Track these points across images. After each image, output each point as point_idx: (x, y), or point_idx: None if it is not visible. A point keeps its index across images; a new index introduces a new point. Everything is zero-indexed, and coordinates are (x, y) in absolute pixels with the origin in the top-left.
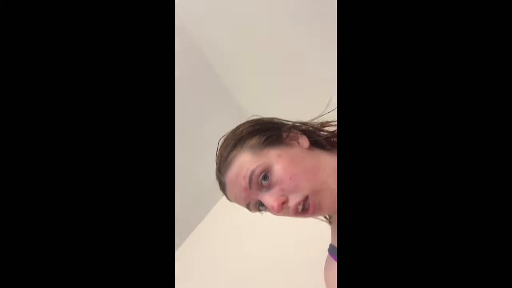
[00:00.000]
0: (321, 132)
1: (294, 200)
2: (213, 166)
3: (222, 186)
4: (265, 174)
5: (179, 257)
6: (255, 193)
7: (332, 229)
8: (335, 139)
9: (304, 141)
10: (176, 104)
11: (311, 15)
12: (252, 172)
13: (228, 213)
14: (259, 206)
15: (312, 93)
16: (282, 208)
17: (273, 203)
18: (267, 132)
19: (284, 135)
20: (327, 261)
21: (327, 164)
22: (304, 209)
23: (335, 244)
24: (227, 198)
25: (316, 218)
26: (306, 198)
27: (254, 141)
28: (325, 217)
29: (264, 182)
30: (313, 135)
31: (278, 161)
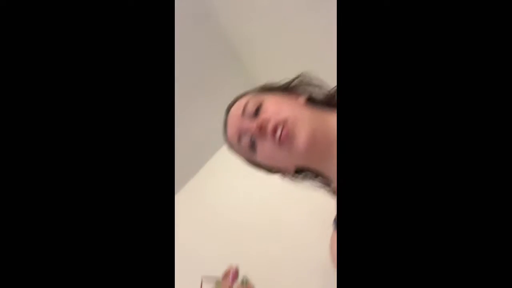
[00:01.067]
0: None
1: (273, 121)
2: (212, 118)
3: (225, 124)
4: (258, 107)
5: (178, 203)
6: (244, 122)
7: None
8: (334, 100)
9: (301, 99)
10: (178, 60)
11: None
12: (247, 102)
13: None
14: (251, 145)
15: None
16: (262, 127)
17: (252, 126)
18: (271, 85)
19: (287, 89)
20: (333, 235)
21: (315, 114)
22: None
23: None
24: (226, 139)
25: (323, 188)
26: (285, 123)
27: (256, 88)
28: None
29: (255, 115)
30: (313, 96)
31: (271, 99)
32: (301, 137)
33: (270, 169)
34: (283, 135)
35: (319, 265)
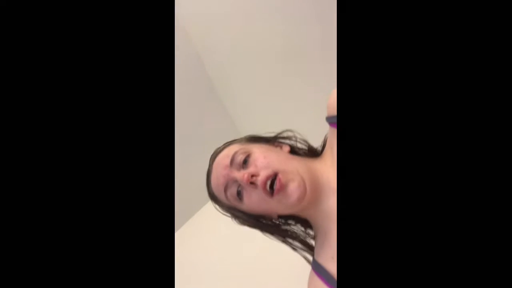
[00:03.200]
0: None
1: (264, 174)
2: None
3: (208, 174)
4: (246, 158)
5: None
6: (233, 172)
7: (316, 244)
8: (316, 150)
9: (286, 148)
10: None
11: (312, 22)
12: (235, 153)
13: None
14: (237, 194)
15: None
16: (250, 179)
17: (243, 175)
18: (256, 136)
19: (272, 140)
20: (311, 277)
21: (301, 162)
22: (272, 188)
23: (320, 261)
24: (209, 191)
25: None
26: (276, 176)
27: (241, 138)
28: (309, 233)
29: (244, 165)
30: (297, 147)
31: (259, 149)
32: (293, 188)
33: (253, 217)
34: (276, 187)
35: None
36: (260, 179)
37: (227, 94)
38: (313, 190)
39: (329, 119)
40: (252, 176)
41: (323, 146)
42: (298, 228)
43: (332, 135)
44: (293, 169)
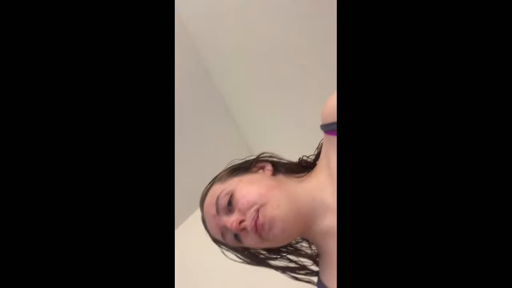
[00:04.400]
0: (290, 162)
1: (250, 217)
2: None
3: (203, 222)
4: (229, 199)
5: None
6: (222, 220)
7: (320, 263)
8: (307, 160)
9: (268, 168)
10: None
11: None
12: (217, 198)
13: None
14: (235, 238)
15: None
16: (240, 227)
17: (231, 224)
18: (236, 167)
19: (252, 165)
20: None
21: (285, 187)
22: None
23: (324, 281)
24: (211, 237)
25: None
26: (259, 214)
27: (223, 174)
28: (312, 254)
29: (229, 207)
30: (279, 164)
31: (238, 185)
32: (274, 222)
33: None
34: (259, 229)
35: None
36: (248, 224)
37: (233, 100)
38: (302, 215)
39: (324, 127)
40: (240, 222)
41: (317, 155)
42: (301, 246)
43: (327, 144)
44: (275, 200)
